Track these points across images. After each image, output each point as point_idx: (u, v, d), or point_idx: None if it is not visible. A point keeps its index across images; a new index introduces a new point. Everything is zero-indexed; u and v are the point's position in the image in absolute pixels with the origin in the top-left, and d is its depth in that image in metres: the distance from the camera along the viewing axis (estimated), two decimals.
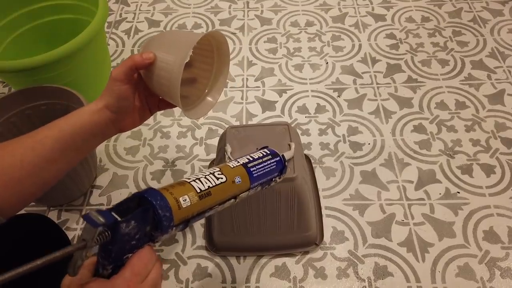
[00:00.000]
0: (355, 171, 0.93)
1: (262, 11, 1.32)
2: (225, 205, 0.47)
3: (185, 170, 0.96)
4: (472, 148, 0.95)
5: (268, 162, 0.54)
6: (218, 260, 0.82)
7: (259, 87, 1.11)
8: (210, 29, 1.28)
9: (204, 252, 0.83)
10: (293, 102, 1.07)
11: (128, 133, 1.03)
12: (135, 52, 1.23)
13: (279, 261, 0.81)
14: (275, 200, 0.72)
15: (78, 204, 0.91)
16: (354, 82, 1.11)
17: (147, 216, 0.37)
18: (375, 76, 1.12)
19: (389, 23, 1.25)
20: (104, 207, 0.90)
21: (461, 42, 1.18)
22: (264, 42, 1.22)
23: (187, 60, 0.48)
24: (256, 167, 0.52)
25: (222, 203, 0.46)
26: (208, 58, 0.58)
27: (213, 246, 0.82)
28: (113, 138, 1.03)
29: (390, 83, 1.10)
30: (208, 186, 0.44)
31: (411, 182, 0.91)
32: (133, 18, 1.33)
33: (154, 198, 0.38)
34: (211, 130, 1.03)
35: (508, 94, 1.05)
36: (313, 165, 0.94)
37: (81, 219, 0.88)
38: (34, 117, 0.88)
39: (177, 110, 1.07)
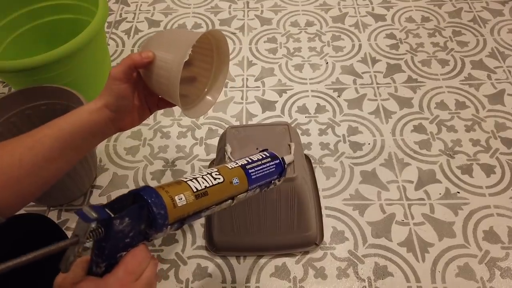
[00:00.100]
0: (355, 171, 0.93)
1: (262, 11, 1.32)
2: (222, 206, 0.47)
3: (185, 170, 0.96)
4: (472, 148, 0.95)
5: (267, 164, 0.54)
6: (218, 260, 0.81)
7: (259, 87, 1.11)
8: (210, 29, 1.27)
9: (204, 252, 0.83)
10: (293, 102, 1.07)
11: (128, 133, 1.03)
12: (135, 52, 1.23)
13: (279, 261, 0.81)
14: (275, 200, 0.72)
15: (78, 204, 0.91)
16: (354, 82, 1.10)
17: (142, 214, 0.37)
18: (375, 76, 1.11)
19: (389, 23, 1.25)
20: None
21: (461, 42, 1.18)
22: (264, 42, 1.22)
23: (187, 59, 0.48)
24: (255, 169, 0.52)
25: (219, 203, 0.46)
26: (208, 57, 0.58)
27: (213, 246, 0.82)
28: (113, 138, 1.03)
29: (390, 83, 1.10)
30: (205, 186, 0.44)
31: (411, 182, 0.90)
32: (133, 18, 1.33)
33: (149, 195, 0.38)
34: (211, 130, 1.03)
35: (508, 94, 1.05)
36: (313, 165, 0.94)
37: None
38: (34, 117, 0.88)
39: (177, 110, 1.07)
